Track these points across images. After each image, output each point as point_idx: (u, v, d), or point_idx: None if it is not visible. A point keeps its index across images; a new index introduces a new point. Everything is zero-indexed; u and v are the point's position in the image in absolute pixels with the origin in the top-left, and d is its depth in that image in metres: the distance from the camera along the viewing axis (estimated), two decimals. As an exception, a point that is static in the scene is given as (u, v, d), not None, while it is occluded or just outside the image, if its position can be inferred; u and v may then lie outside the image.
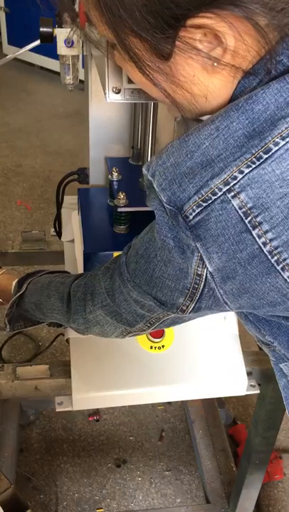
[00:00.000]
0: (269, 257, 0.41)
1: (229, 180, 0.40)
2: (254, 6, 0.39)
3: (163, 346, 0.94)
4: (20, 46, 1.10)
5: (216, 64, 0.43)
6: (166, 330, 0.94)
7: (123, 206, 0.91)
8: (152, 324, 0.60)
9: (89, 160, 1.11)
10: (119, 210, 0.92)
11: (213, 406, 1.62)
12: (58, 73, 3.99)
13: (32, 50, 1.07)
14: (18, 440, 1.54)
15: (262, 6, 0.39)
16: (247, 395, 0.97)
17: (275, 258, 0.41)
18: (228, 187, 0.40)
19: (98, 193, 1.08)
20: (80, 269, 0.95)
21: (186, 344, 0.95)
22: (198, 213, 0.42)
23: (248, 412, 1.73)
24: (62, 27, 0.96)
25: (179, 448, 1.63)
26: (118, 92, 0.72)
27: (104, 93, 0.72)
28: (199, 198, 0.41)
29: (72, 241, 1.10)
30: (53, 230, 1.31)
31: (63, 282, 0.74)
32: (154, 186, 0.44)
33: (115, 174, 0.99)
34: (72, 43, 0.95)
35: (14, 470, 1.42)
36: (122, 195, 0.91)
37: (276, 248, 0.41)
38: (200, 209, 0.41)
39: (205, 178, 0.41)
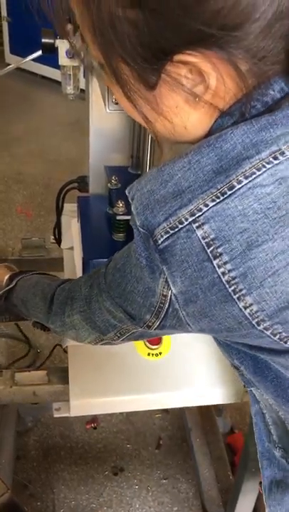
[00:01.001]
0: (227, 286, 0.44)
1: (195, 211, 0.43)
2: (238, 51, 0.42)
3: (160, 353, 0.95)
4: (23, 55, 1.12)
5: (197, 99, 0.46)
6: (163, 337, 0.95)
7: (122, 214, 0.93)
8: (122, 335, 0.63)
9: (89, 168, 1.12)
10: (118, 218, 0.93)
11: (210, 414, 1.62)
12: (59, 82, 4.03)
13: (33, 59, 1.09)
14: (16, 447, 1.54)
15: (245, 51, 0.42)
16: (245, 404, 0.98)
17: (232, 288, 0.44)
18: (193, 217, 0.43)
19: (97, 201, 1.09)
20: (79, 276, 0.96)
21: (184, 351, 0.96)
22: (166, 239, 0.44)
23: (246, 421, 1.73)
24: (62, 38, 0.98)
25: (177, 456, 1.63)
26: (118, 102, 0.73)
27: (104, 104, 0.74)
28: (167, 225, 0.44)
29: (72, 248, 1.11)
30: (53, 237, 1.33)
31: (50, 284, 0.78)
32: (132, 209, 0.47)
33: (114, 183, 1.01)
34: (74, 54, 0.97)
35: (11, 477, 1.42)
36: (120, 204, 0.92)
37: (234, 279, 0.43)
38: (167, 235, 0.44)
39: (174, 207, 0.44)
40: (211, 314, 0.47)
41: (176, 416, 1.74)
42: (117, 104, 0.73)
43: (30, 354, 1.91)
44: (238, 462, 1.39)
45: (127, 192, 0.49)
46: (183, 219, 0.43)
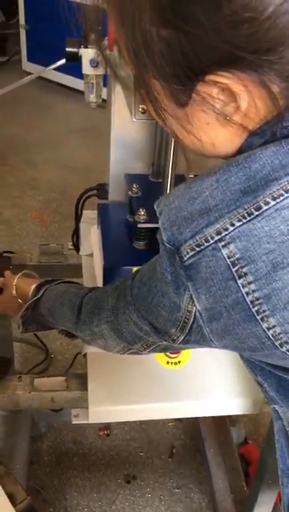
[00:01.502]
0: (251, 306, 0.44)
1: (221, 230, 0.43)
2: (271, 73, 0.42)
3: (179, 362, 0.95)
4: (40, 63, 1.14)
5: (227, 119, 0.46)
6: (182, 345, 0.95)
7: (143, 222, 0.93)
8: (148, 347, 0.64)
9: (109, 176, 1.13)
10: (140, 226, 0.94)
11: (224, 424, 1.61)
12: (74, 89, 4.06)
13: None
14: (29, 452, 1.54)
15: (278, 74, 0.42)
16: (259, 414, 0.97)
17: (256, 308, 0.44)
18: (219, 236, 0.43)
19: (117, 209, 1.10)
20: (99, 283, 0.97)
21: (203, 360, 0.95)
22: (192, 256, 0.45)
23: (260, 432, 1.72)
24: (87, 47, 0.99)
25: (190, 465, 1.62)
26: (144, 112, 0.74)
27: (131, 112, 0.74)
28: (194, 243, 0.45)
29: (91, 255, 1.11)
30: (71, 243, 1.33)
31: (77, 293, 0.78)
32: (159, 224, 0.48)
33: (135, 191, 1.01)
34: (98, 63, 0.98)
35: (25, 482, 1.42)
36: (142, 212, 0.93)
37: (257, 299, 0.44)
38: (193, 252, 0.45)
39: (201, 225, 0.44)
40: (235, 333, 0.47)
41: (190, 425, 1.73)
42: (144, 113, 0.73)
43: (44, 359, 1.91)
44: (252, 473, 1.38)
45: (155, 206, 0.49)
46: (209, 237, 0.44)
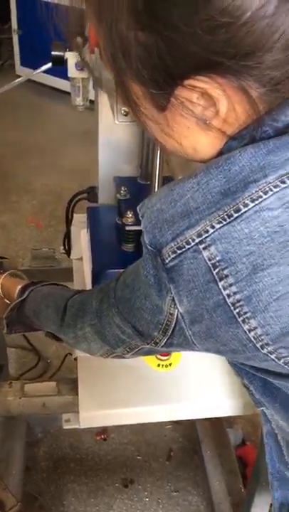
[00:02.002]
0: (232, 308, 0.44)
1: (202, 232, 0.43)
2: (249, 78, 0.41)
3: (170, 364, 0.94)
4: (33, 68, 1.13)
5: (207, 123, 0.46)
6: (173, 348, 0.95)
7: (131, 225, 0.93)
8: (131, 350, 0.63)
9: (98, 179, 1.13)
10: (128, 228, 0.93)
11: (222, 426, 1.60)
12: (69, 93, 4.06)
13: (44, 71, 1.11)
14: (25, 458, 1.53)
15: (255, 80, 0.42)
16: (256, 415, 0.97)
17: (237, 310, 0.44)
18: (200, 239, 0.43)
19: (107, 212, 1.09)
20: (89, 287, 0.96)
21: (194, 362, 0.95)
22: (173, 258, 0.45)
23: (258, 433, 1.71)
24: (73, 51, 0.99)
25: (188, 468, 1.61)
26: (126, 114, 0.74)
27: (113, 115, 0.74)
28: (175, 245, 0.44)
29: (81, 259, 1.11)
30: (63, 247, 1.33)
31: (62, 295, 0.78)
32: (142, 226, 0.47)
33: (123, 193, 1.01)
34: (83, 66, 0.98)
35: (21, 488, 1.41)
36: (130, 214, 0.92)
37: (239, 301, 0.43)
38: (175, 255, 0.44)
39: (182, 227, 0.44)
40: (216, 335, 0.47)
41: (187, 427, 1.72)
42: (126, 115, 0.73)
43: (40, 365, 1.90)
44: (250, 475, 1.37)
45: (138, 209, 0.49)
46: (190, 239, 0.43)
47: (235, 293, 0.43)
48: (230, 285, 0.43)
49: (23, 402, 0.93)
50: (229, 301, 0.43)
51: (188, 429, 1.72)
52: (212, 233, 0.43)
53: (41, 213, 2.82)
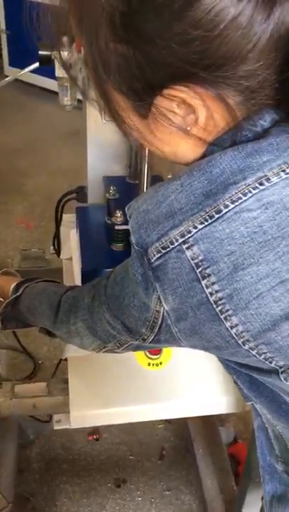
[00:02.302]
0: (214, 306, 0.45)
1: (185, 233, 0.44)
2: (226, 87, 0.43)
3: (161, 363, 0.94)
4: (22, 68, 1.13)
5: (187, 130, 0.47)
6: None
7: (120, 224, 0.93)
8: (122, 345, 0.64)
9: (87, 179, 1.13)
10: (117, 228, 0.93)
11: (213, 424, 1.61)
12: (57, 93, 4.04)
13: (33, 71, 1.10)
14: (17, 460, 1.53)
15: (232, 89, 0.43)
16: (248, 413, 0.97)
17: (220, 308, 0.45)
18: (183, 239, 0.44)
19: (96, 212, 1.09)
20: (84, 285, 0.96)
21: (184, 361, 0.95)
22: (158, 258, 0.46)
23: (249, 431, 1.72)
24: (60, 50, 0.98)
25: (180, 467, 1.61)
26: (114, 112, 0.74)
27: (100, 114, 0.74)
28: (160, 245, 0.45)
29: (71, 259, 1.11)
30: (52, 248, 1.32)
31: (56, 292, 0.79)
32: (129, 226, 0.49)
33: (112, 193, 1.01)
34: (70, 65, 0.97)
35: (13, 490, 1.40)
36: (118, 214, 0.92)
37: (221, 299, 0.45)
38: (160, 254, 0.46)
39: (166, 227, 0.45)
40: (201, 332, 0.48)
41: (179, 426, 1.73)
42: (113, 114, 0.73)
43: (31, 365, 1.90)
44: (242, 472, 1.37)
45: (126, 210, 0.51)
46: (174, 239, 0.45)
47: (217, 291, 0.44)
48: (213, 283, 0.44)
49: (13, 403, 0.93)
50: (212, 299, 0.45)
51: (180, 428, 1.72)
52: (194, 233, 0.44)
53: (31, 214, 2.80)
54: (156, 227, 0.46)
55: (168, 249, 0.45)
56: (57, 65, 1.01)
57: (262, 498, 0.80)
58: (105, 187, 1.05)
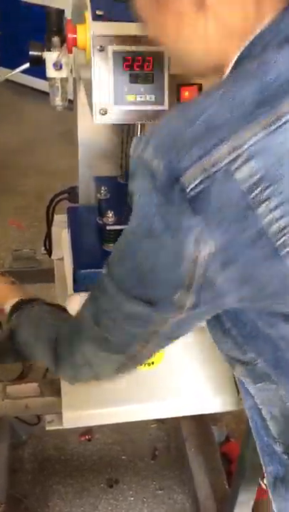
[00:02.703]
0: (273, 239, 0.38)
1: (234, 148, 0.37)
2: None
3: (153, 363, 0.94)
4: (13, 68, 1.12)
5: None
6: (155, 346, 0.95)
7: (112, 224, 0.93)
8: (147, 342, 0.54)
9: (78, 179, 1.13)
10: (108, 228, 0.93)
11: (206, 423, 1.61)
12: (48, 94, 4.04)
13: (24, 72, 1.10)
14: (10, 460, 1.52)
15: None
16: (240, 412, 0.97)
17: (281, 240, 0.38)
18: (232, 156, 0.37)
19: (87, 212, 1.09)
20: (70, 287, 0.96)
21: (176, 360, 0.95)
22: (197, 185, 0.38)
23: (241, 429, 1.72)
24: (50, 50, 0.98)
25: (173, 466, 1.62)
26: (105, 113, 0.74)
27: (92, 115, 0.74)
28: (199, 169, 0.38)
29: (63, 259, 1.11)
30: (44, 248, 1.32)
31: (53, 325, 0.69)
32: (145, 158, 0.41)
33: (104, 193, 1.01)
34: (61, 66, 0.97)
35: (6, 491, 1.40)
36: (110, 214, 0.93)
37: (283, 229, 0.37)
38: (199, 180, 0.38)
39: (207, 146, 0.38)
40: (254, 277, 0.40)
41: (172, 426, 1.73)
42: (104, 115, 0.73)
43: (20, 366, 1.89)
44: (234, 471, 1.38)
45: (134, 143, 0.42)
46: (218, 159, 0.37)
47: (278, 218, 0.37)
48: (273, 209, 0.37)
49: (5, 404, 0.93)
50: (271, 230, 0.37)
51: (172, 428, 1.73)
52: (248, 147, 0.37)
53: (23, 214, 2.80)
54: (190, 149, 0.38)
55: (211, 172, 0.37)
56: (48, 65, 1.01)
57: (263, 478, 0.76)
58: (96, 187, 1.05)
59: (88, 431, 1.67)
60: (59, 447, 1.65)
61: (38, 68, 1.06)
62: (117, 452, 1.65)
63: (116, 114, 0.74)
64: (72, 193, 1.20)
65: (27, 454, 1.62)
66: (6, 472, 1.45)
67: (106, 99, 0.73)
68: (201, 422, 1.61)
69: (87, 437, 1.66)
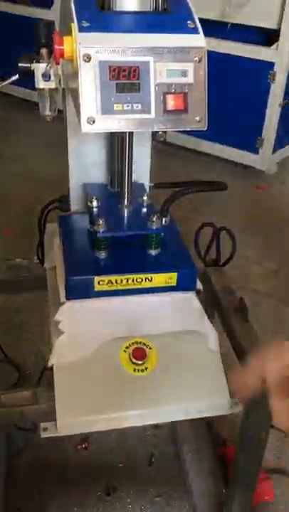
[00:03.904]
0: None
1: None
2: None
3: (146, 368, 0.95)
4: (2, 79, 1.14)
5: None
6: (148, 352, 0.96)
7: (103, 232, 0.94)
8: None
9: (69, 187, 1.14)
10: (99, 235, 0.94)
11: (202, 428, 1.61)
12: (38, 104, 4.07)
13: (14, 83, 1.12)
14: (7, 470, 1.52)
15: None
16: (236, 416, 0.98)
17: None
18: None
19: (79, 220, 1.10)
20: (62, 295, 0.97)
21: (169, 365, 0.96)
22: None
23: (238, 433, 1.72)
24: (39, 62, 1.00)
25: (170, 472, 1.62)
26: (93, 122, 0.75)
27: (79, 124, 0.75)
28: None
29: (55, 268, 1.11)
30: (36, 257, 1.33)
31: None
32: None
33: (94, 201, 1.02)
34: (50, 77, 0.99)
35: (3, 501, 1.40)
36: (101, 221, 0.94)
37: None
38: None
39: None
40: None
41: (168, 431, 1.73)
42: (91, 124, 0.74)
43: (17, 375, 1.89)
44: (230, 476, 1.38)
45: None
46: None
47: None
48: None
49: (0, 413, 0.93)
50: None
51: (168, 433, 1.73)
52: None
53: (16, 223, 2.80)
54: None
55: None
56: (37, 76, 1.02)
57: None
58: (87, 195, 1.07)
59: (85, 439, 1.67)
60: (56, 455, 1.64)
61: (28, 79, 1.08)
62: (114, 459, 1.65)
63: (103, 123, 0.75)
64: (63, 201, 1.21)
65: (24, 462, 1.62)
66: (3, 482, 1.44)
67: (93, 109, 0.74)
68: (197, 426, 1.61)
69: (84, 445, 1.66)
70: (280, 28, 3.00)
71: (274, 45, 3.08)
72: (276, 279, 2.50)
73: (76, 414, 0.91)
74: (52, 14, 3.64)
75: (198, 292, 1.04)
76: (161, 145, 1.07)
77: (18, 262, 1.31)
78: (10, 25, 4.03)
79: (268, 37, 3.14)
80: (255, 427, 1.07)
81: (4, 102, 4.17)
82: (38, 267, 1.33)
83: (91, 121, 0.74)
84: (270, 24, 3.06)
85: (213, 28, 3.06)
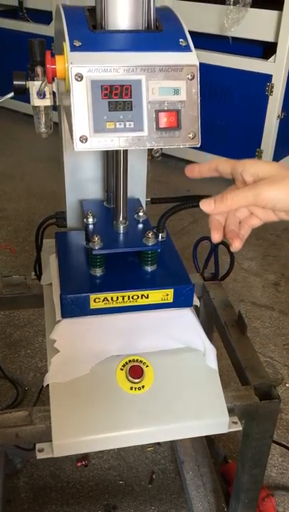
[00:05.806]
0: None
1: None
2: None
3: (143, 387, 0.94)
4: (2, 95, 1.14)
5: None
6: (145, 370, 0.94)
7: (98, 249, 0.93)
8: None
9: (65, 203, 1.13)
10: (94, 252, 0.94)
11: (202, 445, 1.59)
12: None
13: (15, 98, 1.12)
14: (5, 490, 1.50)
15: None
16: (237, 433, 0.96)
17: None
18: None
19: (75, 236, 1.10)
20: (58, 312, 0.96)
21: (166, 384, 0.95)
22: None
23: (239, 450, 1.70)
24: (34, 80, 1.00)
25: (170, 490, 1.59)
26: (85, 141, 0.75)
27: (72, 142, 0.75)
28: None
29: (52, 284, 1.11)
30: (34, 273, 1.32)
31: None
32: None
33: (90, 217, 1.02)
34: (44, 94, 0.99)
35: (0, 522, 1.37)
36: (96, 238, 0.93)
37: None
38: None
39: None
40: None
41: (169, 448, 1.71)
42: (84, 142, 0.74)
43: (16, 392, 1.87)
44: (231, 493, 1.36)
45: None
46: None
47: None
48: None
49: (-5, 434, 0.91)
50: None
51: (169, 450, 1.71)
52: None
53: (16, 239, 2.80)
54: None
55: None
56: (32, 94, 1.02)
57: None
58: (83, 211, 1.06)
59: (84, 457, 1.64)
60: (55, 474, 1.62)
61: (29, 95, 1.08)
62: (114, 477, 1.62)
63: (96, 141, 0.75)
64: (59, 217, 1.21)
65: (22, 482, 1.60)
66: (1, 502, 1.42)
67: (86, 127, 0.74)
68: (198, 443, 1.59)
69: (83, 463, 1.63)
70: (277, 41, 3.03)
71: (271, 58, 3.10)
72: (277, 291, 2.49)
73: (73, 435, 0.89)
74: (52, 30, 3.67)
75: (195, 308, 1.03)
76: (161, 157, 1.07)
77: (14, 279, 1.30)
78: (10, 41, 4.08)
79: (270, 49, 3.17)
80: (256, 445, 1.05)
81: (6, 116, 4.20)
82: (35, 284, 1.32)
83: (84, 139, 0.74)
84: (267, 37, 3.08)
85: (214, 42, 3.09)
